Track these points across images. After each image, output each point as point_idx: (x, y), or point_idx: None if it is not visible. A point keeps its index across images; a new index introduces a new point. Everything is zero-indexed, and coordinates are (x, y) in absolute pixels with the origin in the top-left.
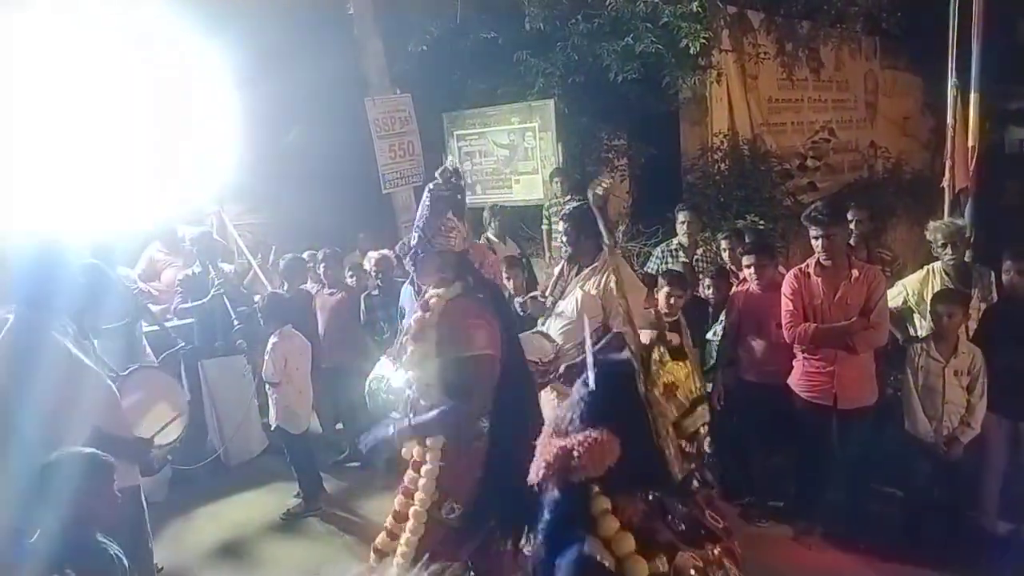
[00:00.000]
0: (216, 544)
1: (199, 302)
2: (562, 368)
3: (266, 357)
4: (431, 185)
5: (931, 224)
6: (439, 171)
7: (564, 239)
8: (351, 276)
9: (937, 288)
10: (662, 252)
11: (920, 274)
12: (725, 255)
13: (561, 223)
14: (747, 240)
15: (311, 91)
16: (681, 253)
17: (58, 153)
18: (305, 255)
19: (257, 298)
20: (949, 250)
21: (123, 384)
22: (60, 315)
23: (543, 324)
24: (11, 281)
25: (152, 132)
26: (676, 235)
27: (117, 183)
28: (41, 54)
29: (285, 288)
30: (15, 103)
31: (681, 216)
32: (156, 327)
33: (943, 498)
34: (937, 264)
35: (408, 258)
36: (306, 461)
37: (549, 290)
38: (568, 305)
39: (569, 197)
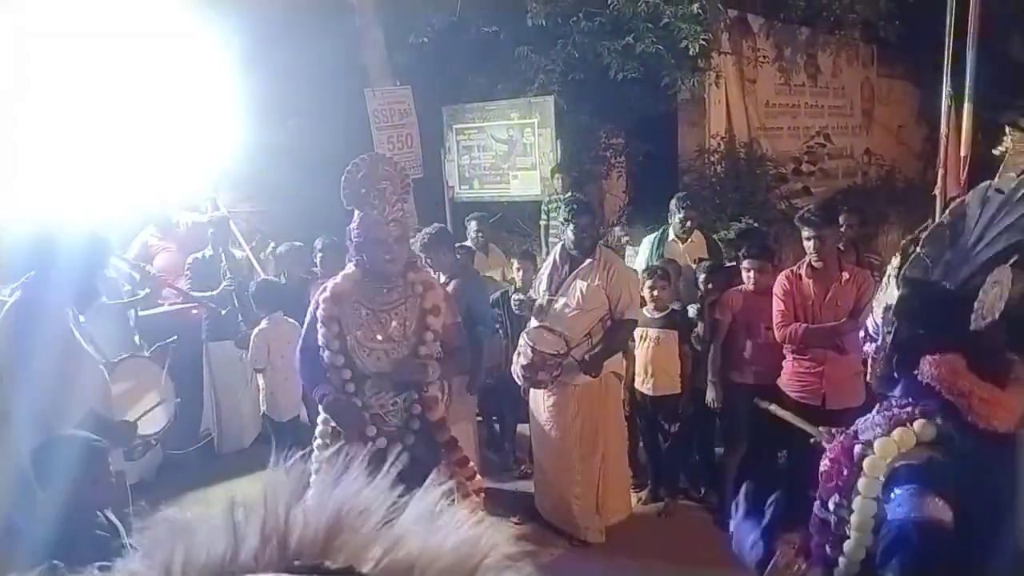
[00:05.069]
0: None
1: (208, 294)
2: (586, 357)
3: (251, 342)
4: None
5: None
6: None
7: (580, 232)
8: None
9: None
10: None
11: None
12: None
13: (575, 217)
14: (748, 243)
15: (310, 79)
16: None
17: (55, 138)
18: (297, 244)
19: (252, 285)
20: None
21: (113, 371)
22: (61, 296)
23: (542, 319)
24: (13, 262)
25: (148, 117)
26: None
27: (112, 168)
28: (37, 40)
29: (284, 275)
30: (14, 88)
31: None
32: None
33: None
34: None
35: None
36: (291, 450)
37: (544, 286)
38: (572, 298)
39: (570, 194)
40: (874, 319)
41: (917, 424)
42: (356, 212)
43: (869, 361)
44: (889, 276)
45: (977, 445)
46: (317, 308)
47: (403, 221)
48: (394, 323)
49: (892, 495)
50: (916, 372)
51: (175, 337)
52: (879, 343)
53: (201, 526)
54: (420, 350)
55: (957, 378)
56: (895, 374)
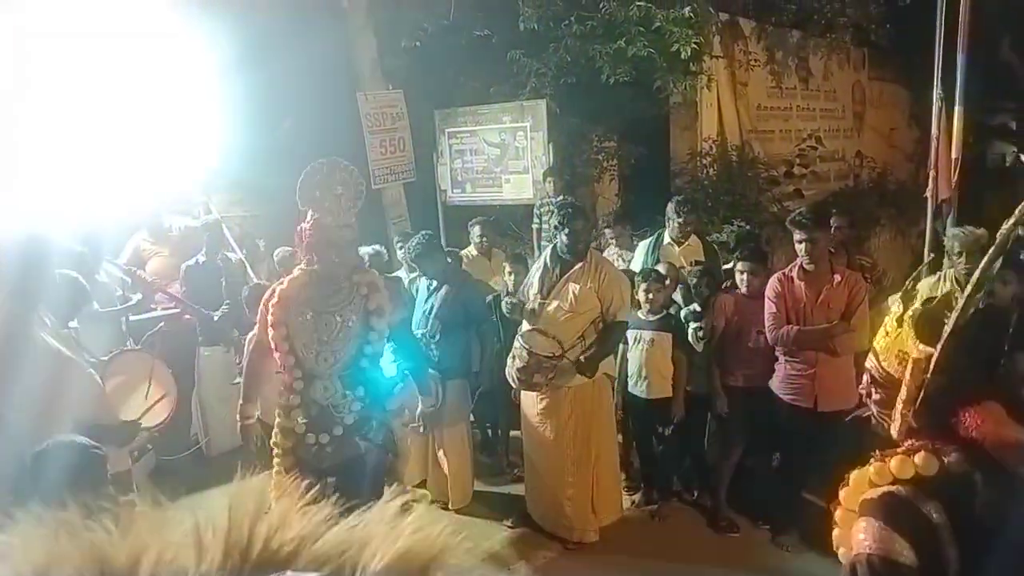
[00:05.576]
0: None
1: (212, 313)
2: (581, 358)
3: (245, 347)
4: None
5: (950, 232)
6: None
7: (574, 236)
8: None
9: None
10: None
11: (931, 279)
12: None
13: (569, 221)
14: (742, 247)
15: (303, 83)
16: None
17: (45, 143)
18: (278, 252)
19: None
20: (964, 259)
21: (105, 369)
22: (40, 307)
23: (534, 322)
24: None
25: (142, 119)
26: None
27: (104, 172)
28: (37, 40)
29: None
30: (14, 88)
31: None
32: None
33: None
34: (951, 271)
35: None
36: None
37: (535, 289)
38: (564, 301)
39: (563, 198)
40: (879, 364)
41: (919, 456)
42: (310, 213)
43: (895, 413)
44: (892, 319)
45: (995, 479)
46: (268, 313)
47: (354, 225)
48: (339, 324)
49: (858, 523)
50: (952, 420)
51: (162, 324)
52: (905, 396)
53: (170, 533)
54: (366, 349)
55: (1003, 429)
56: (919, 423)
